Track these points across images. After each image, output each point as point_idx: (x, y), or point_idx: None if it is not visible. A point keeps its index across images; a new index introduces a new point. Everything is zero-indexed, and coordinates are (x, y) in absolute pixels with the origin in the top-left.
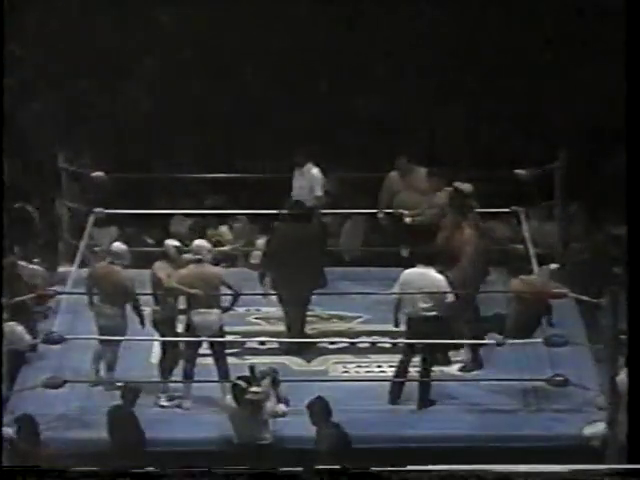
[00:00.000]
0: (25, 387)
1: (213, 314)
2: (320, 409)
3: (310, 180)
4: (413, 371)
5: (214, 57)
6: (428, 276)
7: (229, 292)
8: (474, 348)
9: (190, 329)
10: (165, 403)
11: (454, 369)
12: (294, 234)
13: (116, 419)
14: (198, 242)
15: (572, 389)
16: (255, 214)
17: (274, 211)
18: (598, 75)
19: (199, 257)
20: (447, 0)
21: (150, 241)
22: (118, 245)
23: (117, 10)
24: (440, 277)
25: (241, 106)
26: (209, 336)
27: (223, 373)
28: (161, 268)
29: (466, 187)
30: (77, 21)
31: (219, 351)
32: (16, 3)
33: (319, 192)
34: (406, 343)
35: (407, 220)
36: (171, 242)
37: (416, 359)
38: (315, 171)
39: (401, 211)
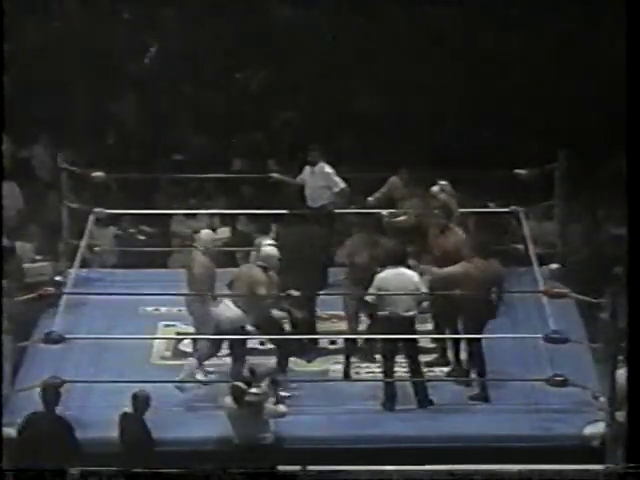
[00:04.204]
0: (25, 387)
1: (232, 310)
2: (52, 394)
3: (325, 178)
4: (402, 372)
5: (214, 57)
6: (405, 276)
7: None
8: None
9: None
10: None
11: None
12: (301, 236)
13: (126, 426)
14: (269, 249)
15: (572, 389)
16: (254, 214)
17: (274, 211)
18: (598, 75)
19: (265, 264)
20: (449, 0)
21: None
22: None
23: (117, 10)
24: (415, 274)
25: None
26: (229, 331)
27: (235, 374)
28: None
29: (446, 189)
30: (77, 22)
31: (238, 351)
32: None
33: (342, 184)
34: (388, 345)
35: (385, 220)
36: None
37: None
38: (328, 168)
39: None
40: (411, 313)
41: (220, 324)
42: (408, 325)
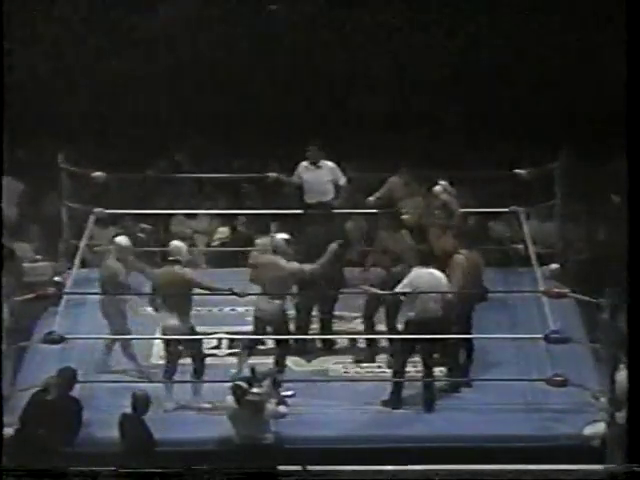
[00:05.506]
0: (25, 387)
1: (171, 318)
2: (65, 379)
3: (331, 171)
4: (413, 371)
5: (214, 56)
6: (436, 276)
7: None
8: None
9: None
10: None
11: None
12: (323, 235)
13: (126, 426)
14: (118, 239)
15: (572, 389)
16: (254, 214)
17: (274, 211)
18: (599, 75)
19: (175, 258)
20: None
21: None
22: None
23: (115, 10)
24: (444, 276)
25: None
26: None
27: (198, 375)
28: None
29: (447, 189)
30: (74, 21)
31: (195, 354)
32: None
33: (344, 178)
34: (404, 345)
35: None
36: (281, 236)
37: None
38: (330, 163)
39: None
40: (439, 315)
41: (164, 332)
42: (435, 326)
